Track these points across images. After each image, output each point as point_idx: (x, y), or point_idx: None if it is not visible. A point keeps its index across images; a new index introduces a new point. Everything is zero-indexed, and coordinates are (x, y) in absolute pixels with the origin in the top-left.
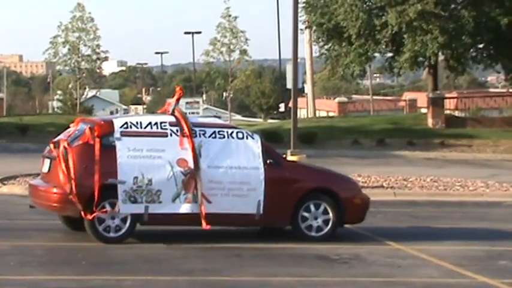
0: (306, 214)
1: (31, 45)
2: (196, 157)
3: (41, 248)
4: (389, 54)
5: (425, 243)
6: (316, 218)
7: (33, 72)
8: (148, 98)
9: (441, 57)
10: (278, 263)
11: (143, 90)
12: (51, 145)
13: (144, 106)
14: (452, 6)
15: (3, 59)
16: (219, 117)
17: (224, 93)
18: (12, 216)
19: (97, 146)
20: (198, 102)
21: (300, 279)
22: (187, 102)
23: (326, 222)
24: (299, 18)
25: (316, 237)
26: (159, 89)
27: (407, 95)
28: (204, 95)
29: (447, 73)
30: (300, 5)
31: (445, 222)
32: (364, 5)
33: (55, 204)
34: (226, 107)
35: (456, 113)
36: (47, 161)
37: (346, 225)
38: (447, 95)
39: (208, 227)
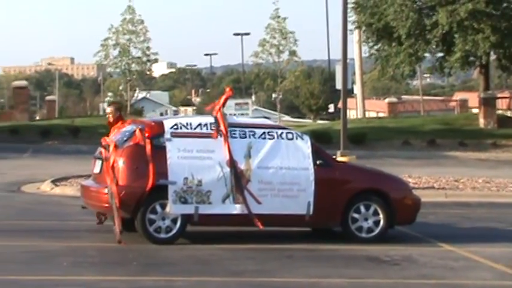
0: (356, 215)
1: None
2: (232, 158)
3: (92, 249)
4: (440, 54)
5: (478, 245)
6: (366, 219)
7: (84, 75)
8: (198, 99)
9: (493, 56)
10: (329, 265)
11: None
12: (102, 146)
13: (194, 107)
14: (505, 5)
15: (55, 61)
16: (268, 118)
17: (273, 94)
18: (64, 217)
19: (148, 147)
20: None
21: (351, 281)
22: (236, 104)
23: (376, 223)
24: (348, 19)
25: (367, 238)
26: (208, 90)
27: (459, 95)
28: (253, 96)
29: (499, 72)
30: (349, 5)
31: (497, 224)
32: (414, 5)
33: (106, 205)
34: (275, 108)
35: (508, 113)
36: (98, 162)
37: (397, 227)
38: (499, 95)
39: (261, 226)
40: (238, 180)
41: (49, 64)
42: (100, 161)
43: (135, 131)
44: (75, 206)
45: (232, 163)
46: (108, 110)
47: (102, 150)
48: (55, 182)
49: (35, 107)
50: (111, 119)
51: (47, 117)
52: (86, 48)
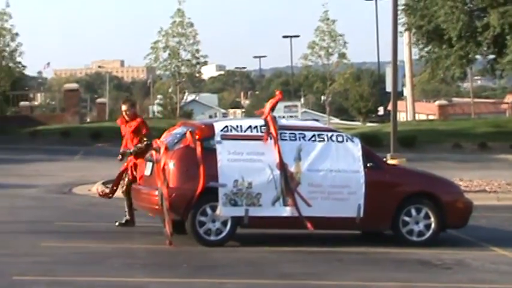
0: (407, 218)
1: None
2: (282, 160)
3: (143, 251)
4: (491, 56)
5: None
6: (417, 223)
7: (134, 77)
8: (247, 101)
9: None
10: (380, 268)
11: (241, 94)
12: (152, 149)
13: (243, 110)
14: None
15: (105, 64)
16: (318, 121)
17: (322, 97)
18: (115, 219)
19: (198, 149)
20: (296, 106)
21: (402, 285)
22: (285, 106)
23: (428, 226)
24: (398, 21)
25: (418, 242)
26: (257, 92)
27: (510, 98)
28: (302, 99)
29: None
30: (399, 8)
31: None
32: (465, 7)
33: (157, 207)
34: (324, 111)
35: None
36: (149, 164)
37: (449, 230)
38: None
39: (312, 227)
40: (288, 183)
41: (99, 67)
42: (151, 163)
43: (185, 134)
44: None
45: (282, 166)
46: (124, 107)
47: (153, 152)
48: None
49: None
50: (126, 117)
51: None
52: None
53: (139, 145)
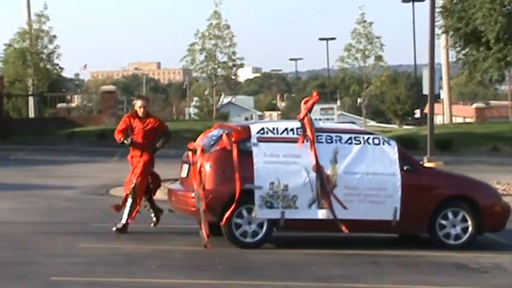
0: (443, 222)
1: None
2: (318, 163)
3: (180, 252)
4: None
5: None
6: (454, 226)
7: (171, 79)
8: (283, 104)
9: None
10: (416, 271)
11: (277, 96)
12: (189, 151)
13: (279, 112)
14: None
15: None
16: (354, 123)
17: (358, 99)
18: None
19: (234, 152)
20: (332, 109)
21: None
22: (322, 109)
23: (465, 230)
24: (435, 23)
25: (455, 245)
26: (293, 95)
27: None
28: (338, 101)
29: None
30: (436, 10)
31: None
32: (504, 9)
33: (193, 209)
34: (360, 113)
35: None
36: (186, 166)
37: (486, 234)
38: None
39: (347, 230)
40: (324, 186)
41: (136, 69)
42: (187, 165)
43: (221, 136)
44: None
45: (318, 168)
46: (141, 102)
47: (190, 154)
48: None
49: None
50: (140, 114)
51: None
52: (173, 53)
53: (160, 144)
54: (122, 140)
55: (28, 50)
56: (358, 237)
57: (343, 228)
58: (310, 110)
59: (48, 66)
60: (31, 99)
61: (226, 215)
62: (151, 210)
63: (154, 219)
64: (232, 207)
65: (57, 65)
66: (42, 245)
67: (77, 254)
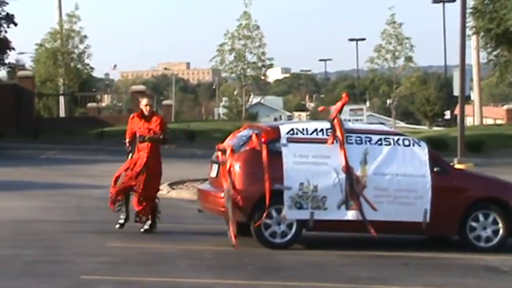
0: (474, 224)
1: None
2: (348, 164)
3: (209, 252)
4: None
5: None
6: (485, 228)
7: (200, 79)
8: (312, 104)
9: None
10: (446, 274)
11: (307, 97)
12: (218, 151)
13: (308, 113)
14: None
15: (171, 66)
16: (384, 124)
17: (388, 100)
18: (181, 220)
19: (264, 152)
20: (362, 109)
21: None
22: (351, 109)
23: (495, 232)
24: (466, 24)
25: (485, 247)
26: (322, 95)
27: None
28: (367, 102)
29: None
30: (467, 11)
31: None
32: None
33: (223, 209)
34: (389, 114)
35: None
36: (215, 166)
37: None
38: None
39: (375, 233)
40: (354, 187)
41: (165, 69)
42: (217, 165)
43: (251, 136)
44: (192, 210)
45: (348, 169)
46: (145, 101)
47: (219, 154)
48: (172, 185)
49: None
50: (146, 112)
51: None
52: (202, 54)
53: (157, 136)
54: (127, 142)
55: (59, 50)
56: (387, 239)
57: (371, 230)
58: (340, 111)
59: (79, 66)
60: (62, 99)
61: (261, 219)
62: (122, 213)
63: (121, 221)
64: (265, 213)
65: (88, 64)
66: (72, 244)
67: (107, 253)
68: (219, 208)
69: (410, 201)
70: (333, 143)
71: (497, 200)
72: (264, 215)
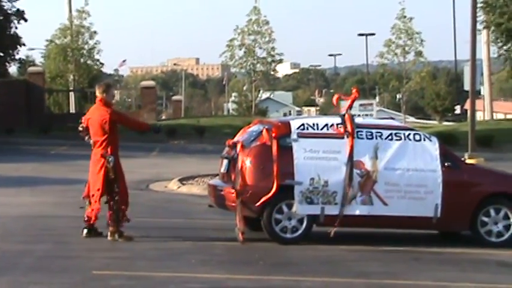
0: (485, 219)
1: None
2: (352, 158)
3: (220, 247)
4: None
5: None
6: (496, 223)
7: (209, 75)
8: (321, 99)
9: None
10: (457, 268)
11: (316, 92)
12: (228, 146)
13: (317, 108)
14: None
15: (180, 62)
16: (394, 119)
17: (398, 95)
18: (191, 215)
19: (274, 147)
20: (371, 104)
21: (480, 286)
22: (361, 104)
23: (507, 227)
24: (477, 19)
25: (497, 242)
26: (331, 90)
27: None
28: (377, 97)
29: None
30: (478, 5)
31: None
32: None
33: (233, 204)
34: (399, 109)
35: None
36: (225, 162)
37: None
38: None
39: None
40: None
41: (175, 64)
42: (227, 161)
43: (261, 131)
44: (202, 205)
45: (355, 163)
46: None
47: (229, 149)
48: (182, 180)
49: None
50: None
51: (173, 116)
52: (212, 49)
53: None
54: (82, 131)
55: (69, 45)
56: (399, 234)
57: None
58: (350, 107)
59: (89, 61)
60: (72, 95)
61: (262, 200)
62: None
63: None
64: (268, 197)
65: (98, 60)
66: (83, 240)
67: (118, 248)
68: (229, 203)
69: (421, 196)
70: (342, 134)
71: (508, 195)
72: (262, 201)
